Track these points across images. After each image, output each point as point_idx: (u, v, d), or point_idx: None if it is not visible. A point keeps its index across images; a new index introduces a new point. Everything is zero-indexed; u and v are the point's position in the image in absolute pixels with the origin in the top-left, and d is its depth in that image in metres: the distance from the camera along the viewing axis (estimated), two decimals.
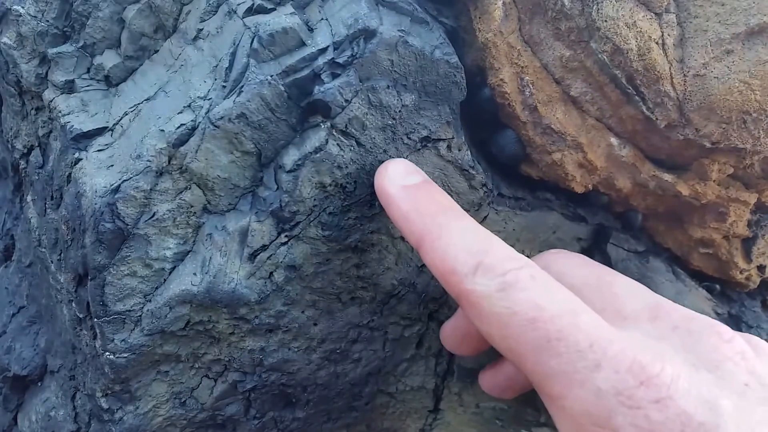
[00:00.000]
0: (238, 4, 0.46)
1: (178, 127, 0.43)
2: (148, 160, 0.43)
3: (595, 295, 0.36)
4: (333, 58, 0.43)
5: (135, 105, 0.47)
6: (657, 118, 0.45)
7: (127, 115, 0.47)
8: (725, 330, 0.33)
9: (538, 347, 0.32)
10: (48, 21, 0.50)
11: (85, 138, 0.47)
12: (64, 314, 0.52)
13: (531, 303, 0.33)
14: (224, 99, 0.43)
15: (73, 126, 0.47)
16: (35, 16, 0.50)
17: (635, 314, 0.35)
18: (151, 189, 0.44)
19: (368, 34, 0.43)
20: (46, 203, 0.53)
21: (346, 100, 0.43)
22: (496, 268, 0.34)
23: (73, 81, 0.50)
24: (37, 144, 0.54)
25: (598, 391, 0.30)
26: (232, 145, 0.43)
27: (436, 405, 0.57)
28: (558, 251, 0.41)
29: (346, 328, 0.50)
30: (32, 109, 0.53)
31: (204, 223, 0.45)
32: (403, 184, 0.41)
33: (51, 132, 0.52)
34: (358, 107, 0.43)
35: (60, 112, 0.48)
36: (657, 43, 0.43)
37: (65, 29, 0.51)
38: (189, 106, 0.44)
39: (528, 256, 0.52)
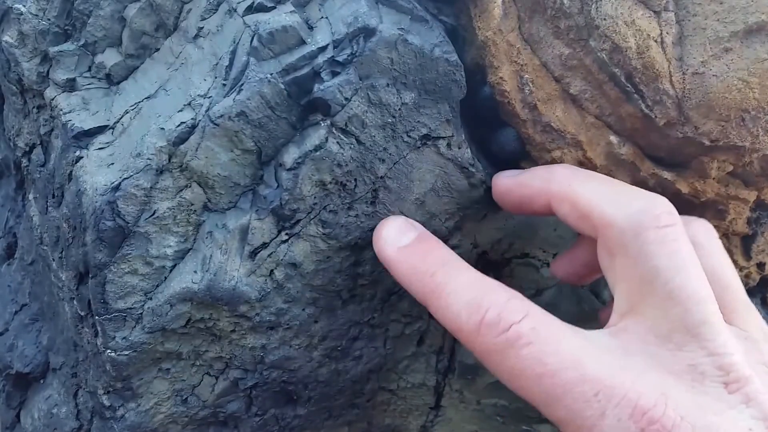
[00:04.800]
0: (238, 3, 0.46)
1: (179, 125, 0.44)
2: (149, 159, 0.44)
3: (654, 299, 0.36)
4: (333, 56, 0.43)
5: (136, 103, 0.47)
6: (656, 116, 0.45)
7: (127, 113, 0.47)
8: (737, 378, 0.33)
9: (547, 400, 0.34)
10: (49, 19, 0.50)
11: (86, 136, 0.47)
12: (65, 312, 0.53)
13: (535, 359, 0.34)
14: (224, 97, 0.43)
15: (74, 124, 0.47)
16: (36, 15, 0.51)
17: (668, 336, 0.35)
18: (151, 187, 0.44)
19: (368, 32, 0.43)
20: (47, 201, 0.53)
21: (346, 98, 0.43)
22: (497, 325, 0.35)
23: (74, 79, 0.50)
24: (38, 142, 0.54)
25: None
26: (233, 143, 0.44)
27: (438, 402, 0.58)
28: (660, 224, 0.38)
29: (347, 326, 0.50)
30: (34, 107, 0.54)
31: (204, 221, 0.46)
32: (399, 246, 0.43)
33: (52, 130, 0.52)
34: (357, 105, 0.43)
35: (61, 110, 0.48)
36: (656, 41, 0.43)
37: (66, 28, 0.51)
38: (189, 104, 0.44)
39: (527, 254, 0.52)
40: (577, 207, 0.40)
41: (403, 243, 0.42)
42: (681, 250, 0.37)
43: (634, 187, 0.42)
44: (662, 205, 0.39)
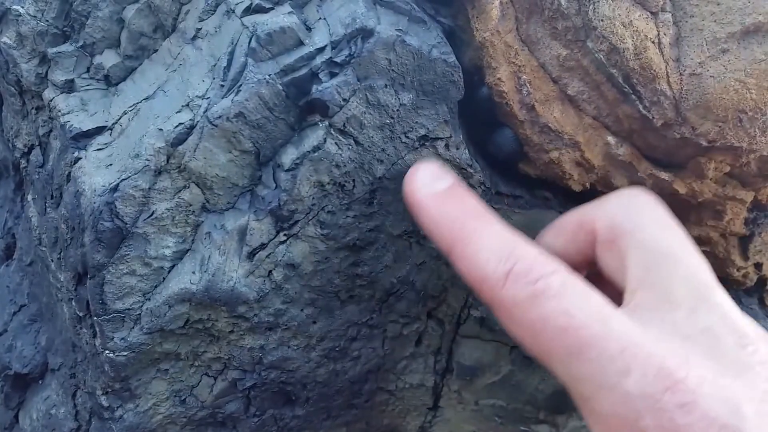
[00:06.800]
0: (237, 4, 0.46)
1: (177, 126, 0.44)
2: (147, 159, 0.44)
3: (661, 268, 0.36)
4: (331, 57, 0.43)
5: (134, 104, 0.47)
6: (653, 117, 0.45)
7: (126, 114, 0.47)
8: (750, 341, 0.34)
9: (569, 354, 0.34)
10: (48, 21, 0.51)
11: (84, 137, 0.47)
12: (64, 312, 0.53)
13: (562, 311, 0.34)
14: (222, 98, 0.43)
15: (72, 125, 0.47)
16: (35, 16, 0.51)
17: (679, 301, 0.35)
18: (149, 188, 0.44)
19: (366, 33, 0.43)
20: (46, 202, 0.53)
21: (344, 99, 0.43)
22: (526, 276, 0.35)
23: (72, 80, 0.50)
24: (37, 143, 0.54)
25: (627, 395, 0.32)
26: (231, 144, 0.44)
27: (436, 402, 0.58)
28: (648, 206, 0.40)
29: (345, 326, 0.50)
30: (32, 108, 0.54)
31: (203, 221, 0.46)
32: (432, 191, 0.42)
33: (51, 131, 0.52)
34: (356, 106, 0.44)
35: (60, 111, 0.49)
36: (653, 42, 0.43)
37: (65, 29, 0.51)
38: (187, 105, 0.44)
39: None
40: (567, 230, 0.42)
41: (437, 189, 0.42)
42: (673, 225, 0.38)
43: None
44: (643, 192, 0.40)
